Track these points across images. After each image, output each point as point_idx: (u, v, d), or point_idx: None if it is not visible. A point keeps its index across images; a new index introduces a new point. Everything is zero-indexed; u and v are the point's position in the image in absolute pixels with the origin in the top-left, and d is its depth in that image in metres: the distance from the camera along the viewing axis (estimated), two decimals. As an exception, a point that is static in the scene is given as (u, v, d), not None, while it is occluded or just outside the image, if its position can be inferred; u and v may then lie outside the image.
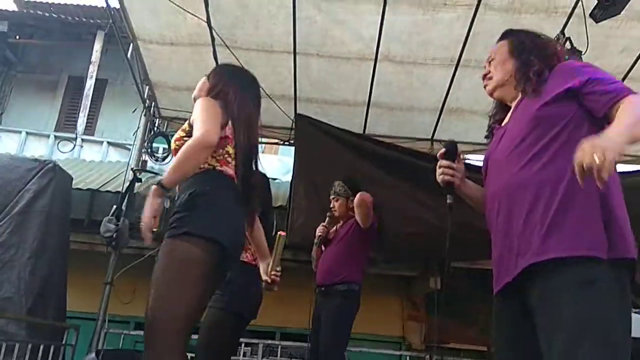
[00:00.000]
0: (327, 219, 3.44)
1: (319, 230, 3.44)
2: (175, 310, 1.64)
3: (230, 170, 1.92)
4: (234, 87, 2.06)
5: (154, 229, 1.71)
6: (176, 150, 1.91)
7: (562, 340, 1.23)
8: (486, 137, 1.78)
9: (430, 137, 5.19)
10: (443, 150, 1.71)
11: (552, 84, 1.52)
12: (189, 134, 1.85)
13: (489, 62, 1.74)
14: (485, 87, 1.76)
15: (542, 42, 1.67)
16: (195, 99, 2.07)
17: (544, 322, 1.29)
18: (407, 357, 4.58)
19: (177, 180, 1.76)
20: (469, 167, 1.81)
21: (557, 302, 1.27)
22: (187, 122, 1.94)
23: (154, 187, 1.73)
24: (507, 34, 1.75)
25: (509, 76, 1.65)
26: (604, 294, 1.24)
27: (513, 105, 1.66)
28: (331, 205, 3.46)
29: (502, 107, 1.75)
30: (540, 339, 1.30)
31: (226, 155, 1.93)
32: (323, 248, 3.47)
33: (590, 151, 1.14)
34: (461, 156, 1.74)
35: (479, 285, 6.10)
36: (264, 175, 3.27)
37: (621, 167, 4.95)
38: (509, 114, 1.67)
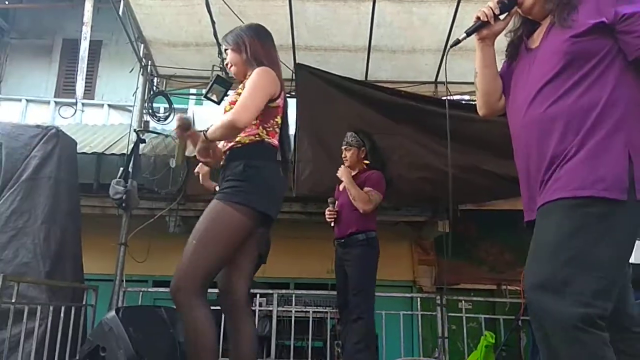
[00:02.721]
0: (330, 205, 3.47)
1: (329, 217, 3.46)
2: (209, 263, 1.90)
3: (276, 141, 2.08)
4: (260, 44, 2.15)
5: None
6: (226, 112, 2.05)
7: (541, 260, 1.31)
8: (506, 52, 1.66)
9: (433, 80, 5.09)
10: None
11: (585, 11, 1.39)
12: None
13: None
14: None
15: None
16: (237, 74, 2.18)
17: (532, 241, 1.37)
18: (419, 299, 4.68)
19: (215, 139, 1.99)
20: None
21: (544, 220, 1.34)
22: (242, 85, 2.06)
23: (202, 135, 1.95)
24: None
25: None
26: (617, 225, 1.26)
27: (544, 27, 1.52)
28: (343, 155, 3.50)
29: (525, 22, 1.61)
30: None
31: (275, 126, 2.08)
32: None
33: None
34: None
35: (487, 226, 6.17)
36: None
37: None
38: (538, 36, 1.54)
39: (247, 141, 2.00)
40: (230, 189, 1.94)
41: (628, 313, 1.42)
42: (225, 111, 2.06)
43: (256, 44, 2.14)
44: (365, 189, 3.29)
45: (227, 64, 2.24)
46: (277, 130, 2.08)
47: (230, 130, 1.93)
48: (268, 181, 1.99)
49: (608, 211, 1.27)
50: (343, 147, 3.51)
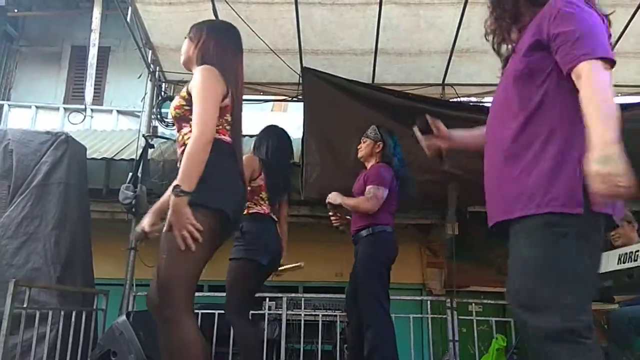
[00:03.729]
0: (329, 209, 3.35)
1: (334, 222, 3.40)
2: (186, 274, 1.80)
3: (228, 138, 1.97)
4: (215, 41, 2.05)
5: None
6: (176, 118, 1.97)
7: (513, 278, 1.40)
8: (502, 68, 1.70)
9: (441, 82, 5.08)
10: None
11: (530, 30, 1.45)
12: (189, 103, 1.90)
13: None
14: None
15: None
16: (185, 64, 2.10)
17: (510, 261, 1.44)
18: (429, 302, 4.65)
19: (194, 182, 1.76)
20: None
21: (515, 244, 1.41)
22: (185, 88, 1.95)
23: (176, 199, 1.72)
24: None
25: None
26: (558, 239, 1.30)
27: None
28: (358, 146, 3.43)
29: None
30: None
31: (225, 124, 1.98)
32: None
33: (604, 187, 1.15)
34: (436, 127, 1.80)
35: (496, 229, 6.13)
36: (283, 129, 3.30)
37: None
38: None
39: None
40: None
41: None
42: (175, 117, 1.98)
43: (210, 41, 2.04)
44: (366, 187, 3.15)
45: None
46: (228, 128, 1.97)
47: (204, 149, 1.79)
48: (220, 178, 1.87)
49: (566, 225, 1.31)
50: (362, 139, 3.43)
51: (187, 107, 1.92)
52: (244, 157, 2.72)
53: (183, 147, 1.90)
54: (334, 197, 3.22)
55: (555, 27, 1.35)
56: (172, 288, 1.78)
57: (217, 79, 1.91)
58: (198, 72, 1.91)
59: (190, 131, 1.85)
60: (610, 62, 1.29)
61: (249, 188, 2.90)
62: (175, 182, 1.74)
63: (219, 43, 2.06)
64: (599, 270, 1.38)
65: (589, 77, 1.27)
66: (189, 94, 1.91)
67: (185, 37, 2.13)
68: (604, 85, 1.26)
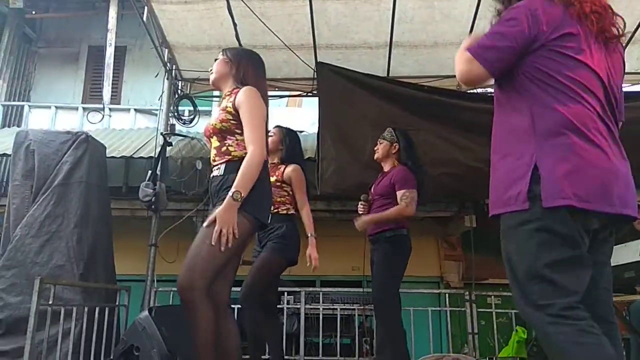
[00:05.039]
0: (362, 200, 3.46)
1: (361, 211, 3.45)
2: (216, 262, 2.02)
3: (265, 153, 2.22)
4: (253, 67, 2.34)
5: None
6: (221, 131, 2.20)
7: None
8: None
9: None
10: None
11: None
12: (235, 118, 2.17)
13: None
14: None
15: None
16: (215, 82, 2.36)
17: None
18: (447, 295, 4.64)
19: (248, 189, 2.06)
20: None
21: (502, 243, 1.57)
22: (231, 104, 2.18)
23: (233, 202, 2.01)
24: None
25: None
26: (525, 234, 1.44)
27: None
28: (375, 148, 3.53)
29: None
30: None
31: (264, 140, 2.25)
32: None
33: None
34: None
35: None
36: (291, 129, 3.38)
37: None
38: None
39: (242, 154, 2.14)
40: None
41: (600, 303, 1.49)
42: (214, 127, 2.21)
43: (249, 66, 2.33)
44: (397, 193, 3.21)
45: (210, 69, 2.40)
46: (265, 143, 2.22)
47: (258, 167, 2.09)
48: (263, 191, 2.15)
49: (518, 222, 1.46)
50: (378, 141, 3.52)
51: (233, 122, 2.18)
52: (295, 168, 3.23)
53: (228, 157, 2.17)
54: (362, 223, 3.24)
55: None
56: (195, 276, 1.99)
57: (260, 99, 2.19)
58: (246, 92, 2.17)
59: (236, 143, 2.17)
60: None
61: (286, 192, 3.21)
62: (234, 188, 2.02)
63: (256, 69, 2.35)
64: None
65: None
66: (236, 110, 2.16)
67: (216, 59, 2.38)
68: None
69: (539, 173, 1.41)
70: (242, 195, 2.02)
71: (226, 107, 2.21)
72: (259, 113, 2.16)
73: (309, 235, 3.18)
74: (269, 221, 2.92)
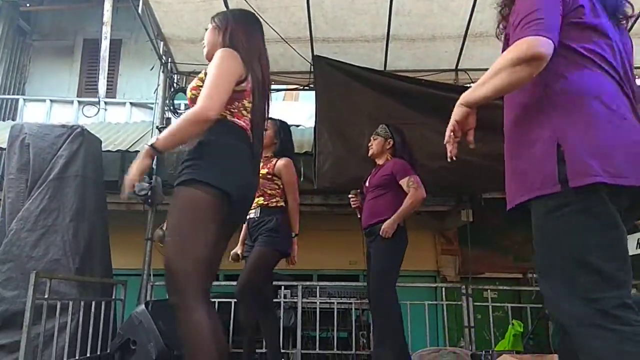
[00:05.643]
0: (352, 194, 3.54)
1: (352, 204, 3.53)
2: (194, 253, 1.69)
3: (242, 123, 1.91)
4: (243, 29, 2.02)
5: (135, 189, 1.81)
6: (191, 100, 1.91)
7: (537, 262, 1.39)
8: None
9: (454, 67, 5.01)
10: None
11: (511, 16, 1.44)
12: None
13: None
14: None
15: None
16: (208, 54, 2.04)
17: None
18: (443, 289, 4.66)
19: (170, 147, 1.77)
20: None
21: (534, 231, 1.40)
22: (204, 71, 1.91)
23: (146, 147, 1.74)
24: None
25: None
26: (564, 220, 1.30)
27: None
28: (369, 144, 3.55)
29: None
30: None
31: (242, 109, 1.92)
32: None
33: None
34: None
35: (512, 214, 6.09)
36: (283, 121, 3.35)
37: None
38: None
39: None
40: (184, 170, 1.79)
41: None
42: (190, 98, 1.92)
43: (239, 29, 2.01)
44: (401, 182, 3.26)
45: (202, 43, 2.13)
46: (245, 113, 1.92)
47: (198, 124, 1.74)
48: (223, 156, 1.80)
49: (558, 206, 1.31)
50: (372, 137, 3.54)
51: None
52: (287, 163, 3.13)
53: None
54: (386, 228, 3.17)
55: (516, 9, 1.40)
56: (179, 272, 1.69)
57: (235, 60, 1.86)
58: (217, 53, 1.87)
59: None
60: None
61: (277, 185, 3.14)
62: (155, 138, 1.76)
63: (247, 31, 2.03)
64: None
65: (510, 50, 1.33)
66: (207, 74, 1.86)
67: (206, 29, 2.10)
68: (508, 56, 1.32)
69: (562, 150, 1.29)
70: (158, 145, 1.72)
71: (199, 74, 1.95)
72: (222, 71, 1.81)
73: (292, 234, 3.18)
74: (259, 214, 2.85)
